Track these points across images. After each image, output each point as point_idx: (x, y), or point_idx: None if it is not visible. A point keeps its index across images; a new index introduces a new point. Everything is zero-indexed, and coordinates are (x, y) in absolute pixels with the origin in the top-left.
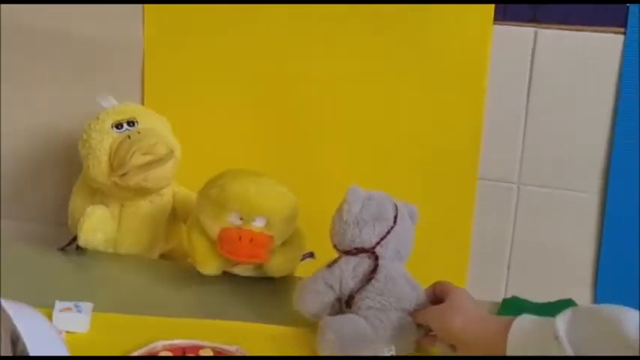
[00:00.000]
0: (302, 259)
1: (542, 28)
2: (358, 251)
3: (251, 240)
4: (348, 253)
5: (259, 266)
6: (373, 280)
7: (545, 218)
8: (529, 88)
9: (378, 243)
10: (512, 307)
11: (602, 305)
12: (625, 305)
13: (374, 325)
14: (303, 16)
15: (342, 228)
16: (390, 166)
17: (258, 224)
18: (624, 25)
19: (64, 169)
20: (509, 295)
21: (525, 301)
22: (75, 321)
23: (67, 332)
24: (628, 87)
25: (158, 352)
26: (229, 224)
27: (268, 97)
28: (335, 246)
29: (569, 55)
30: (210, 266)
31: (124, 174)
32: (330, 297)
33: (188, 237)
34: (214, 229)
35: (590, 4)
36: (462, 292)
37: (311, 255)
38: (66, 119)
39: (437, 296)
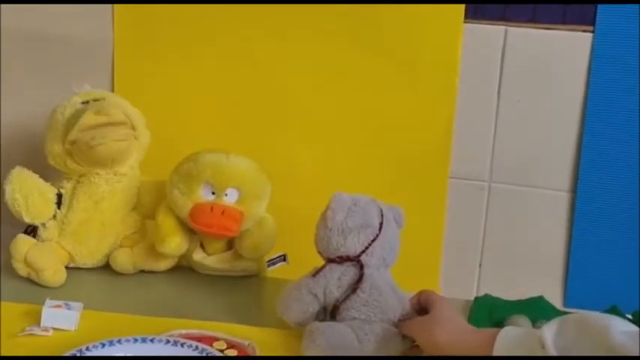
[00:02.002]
0: (273, 264)
1: (512, 26)
2: (343, 259)
3: (223, 212)
4: (332, 261)
5: (230, 245)
6: (358, 291)
7: (517, 216)
8: (499, 87)
9: (363, 251)
10: (484, 305)
11: (587, 313)
12: (595, 302)
13: (359, 337)
14: (275, 15)
15: (327, 235)
16: (361, 165)
17: (229, 199)
18: (593, 24)
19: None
20: (481, 293)
21: (497, 299)
22: (64, 318)
23: (56, 329)
24: (596, 85)
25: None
26: (201, 199)
27: (240, 97)
28: (319, 252)
29: (539, 54)
30: (171, 242)
31: (75, 141)
32: (314, 307)
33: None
34: (187, 206)
35: (560, 4)
36: (447, 303)
37: (283, 259)
38: (33, 120)
39: (421, 306)
